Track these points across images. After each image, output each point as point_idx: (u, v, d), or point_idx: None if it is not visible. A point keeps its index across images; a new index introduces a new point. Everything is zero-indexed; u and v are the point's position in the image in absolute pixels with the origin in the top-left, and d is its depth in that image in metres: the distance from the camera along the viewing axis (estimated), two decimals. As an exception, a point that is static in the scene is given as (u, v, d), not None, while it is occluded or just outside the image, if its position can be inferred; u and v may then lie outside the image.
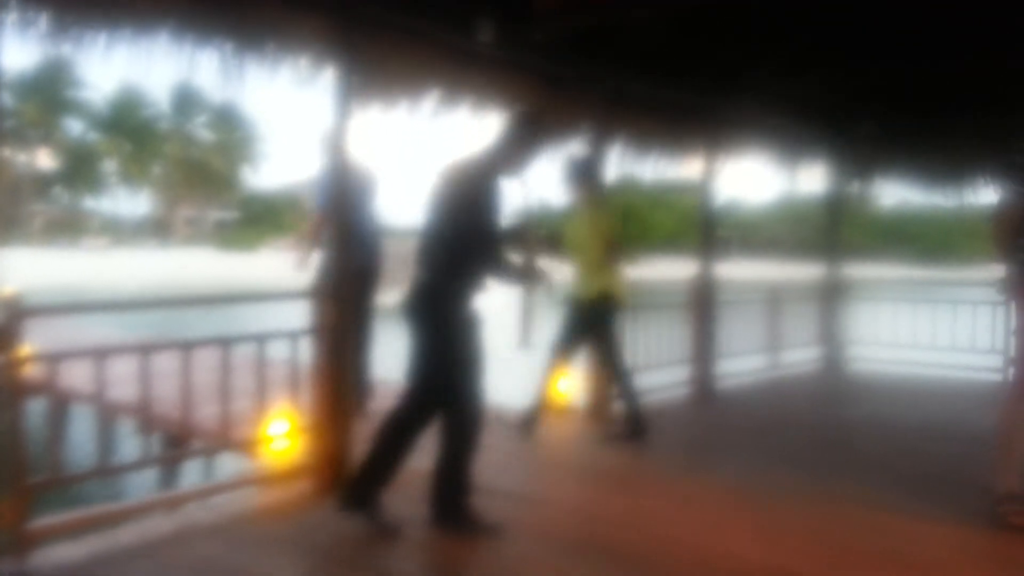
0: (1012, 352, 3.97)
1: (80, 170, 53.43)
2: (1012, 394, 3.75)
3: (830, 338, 8.48)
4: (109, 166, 55.65)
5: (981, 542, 3.53)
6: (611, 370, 5.39)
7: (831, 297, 8.50)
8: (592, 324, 5.27)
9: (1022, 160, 3.64)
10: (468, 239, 3.38)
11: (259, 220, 55.83)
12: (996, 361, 7.61)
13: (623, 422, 5.28)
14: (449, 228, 3.42)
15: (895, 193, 9.72)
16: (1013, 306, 3.79)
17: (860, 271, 10.06)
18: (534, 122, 3.61)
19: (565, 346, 5.39)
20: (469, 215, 3.38)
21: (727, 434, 5.71)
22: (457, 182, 3.45)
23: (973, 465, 4.24)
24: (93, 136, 55.14)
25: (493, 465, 3.68)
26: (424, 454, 4.82)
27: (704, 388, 6.76)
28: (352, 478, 3.56)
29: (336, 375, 4.02)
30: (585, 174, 5.36)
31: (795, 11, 5.06)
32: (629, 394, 5.31)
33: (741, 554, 3.34)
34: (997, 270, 3.77)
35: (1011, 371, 3.93)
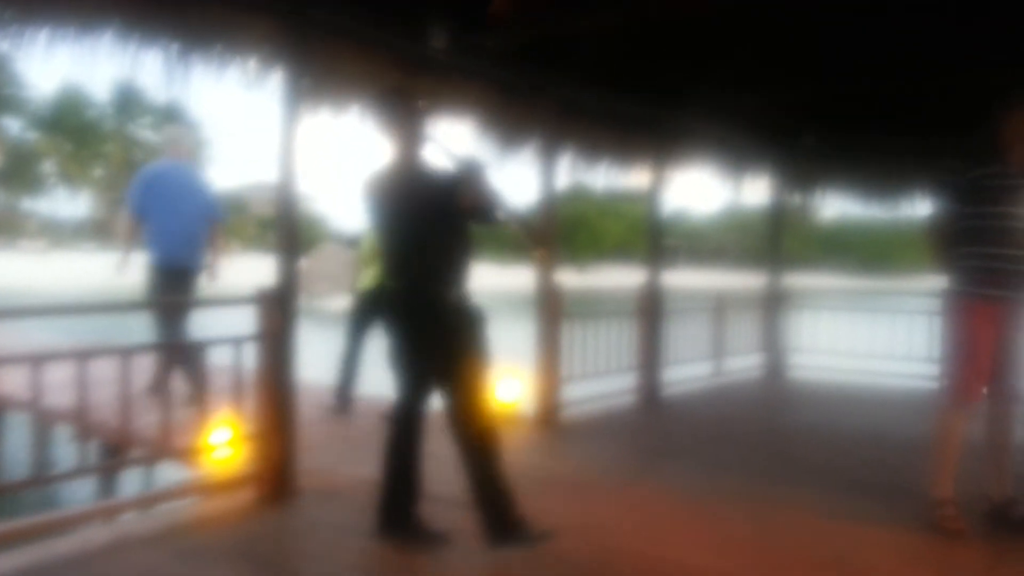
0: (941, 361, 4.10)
1: (18, 170, 51.84)
2: (944, 402, 3.88)
3: (772, 346, 8.65)
4: (48, 166, 54.15)
5: (919, 546, 3.63)
6: (348, 350, 6.07)
7: (773, 306, 8.67)
8: (365, 312, 5.99)
9: (951, 179, 3.80)
10: (438, 228, 3.29)
11: (205, 223, 54.78)
12: (932, 369, 7.85)
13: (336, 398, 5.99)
14: (412, 226, 3.31)
15: (835, 205, 9.99)
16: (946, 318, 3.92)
17: (801, 280, 10.28)
18: (397, 98, 3.43)
19: (357, 337, 6.07)
20: (423, 206, 3.28)
21: (673, 441, 5.78)
22: (392, 184, 3.35)
23: (910, 471, 4.37)
24: (32, 135, 53.59)
25: (439, 472, 3.66)
26: (367, 461, 4.79)
27: (650, 395, 6.84)
28: (378, 503, 3.45)
29: (280, 382, 3.97)
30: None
31: (740, 27, 5.17)
32: (346, 378, 6.04)
33: (685, 560, 3.38)
34: (937, 280, 3.92)
35: (943, 380, 4.07)
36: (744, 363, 8.46)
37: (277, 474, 3.95)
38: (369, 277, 5.93)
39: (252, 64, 4.27)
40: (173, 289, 5.65)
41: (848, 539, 3.67)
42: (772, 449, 5.56)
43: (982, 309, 3.71)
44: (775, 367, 8.61)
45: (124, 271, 5.87)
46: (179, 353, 5.00)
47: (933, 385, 7.54)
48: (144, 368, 3.72)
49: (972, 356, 3.73)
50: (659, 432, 6.12)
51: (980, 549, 3.60)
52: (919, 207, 8.69)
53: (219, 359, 3.95)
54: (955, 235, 3.77)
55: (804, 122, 7.47)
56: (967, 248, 3.73)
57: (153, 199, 5.87)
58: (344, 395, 6.05)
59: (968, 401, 3.78)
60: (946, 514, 3.76)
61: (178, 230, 5.83)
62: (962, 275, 3.77)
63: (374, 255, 5.75)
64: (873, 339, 8.16)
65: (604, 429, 6.04)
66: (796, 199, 9.16)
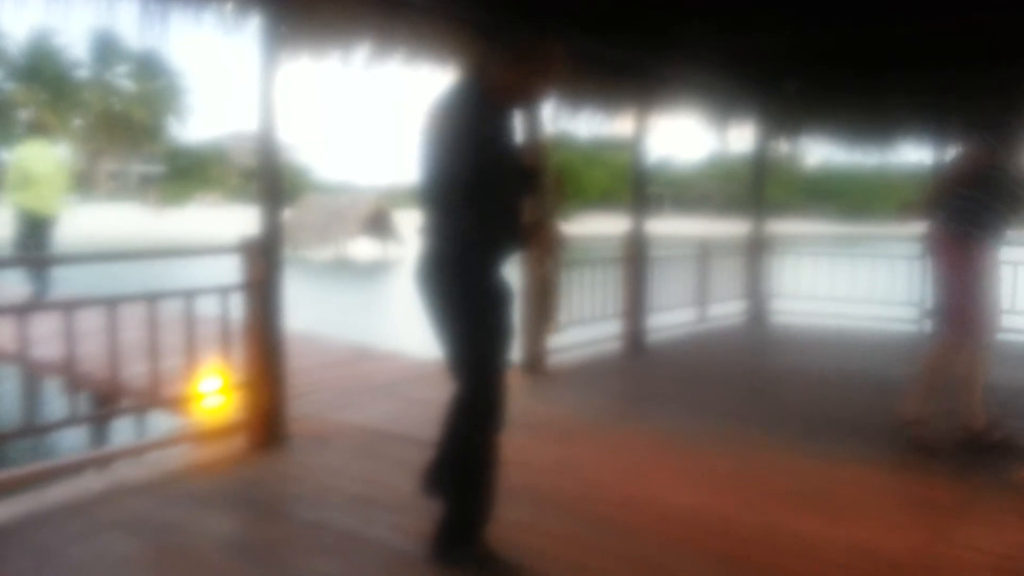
0: (936, 301, 4.29)
1: (-5, 120, 50.89)
2: (941, 341, 4.11)
3: (755, 292, 8.73)
4: (25, 116, 53.13)
5: (892, 484, 3.75)
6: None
7: (756, 252, 8.73)
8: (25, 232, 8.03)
9: (990, 128, 3.88)
10: (477, 183, 2.55)
11: (186, 174, 54.32)
12: (911, 313, 7.98)
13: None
14: (449, 175, 2.60)
15: (819, 151, 10.00)
16: (936, 257, 4.07)
17: (785, 227, 10.33)
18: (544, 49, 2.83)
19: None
20: (469, 152, 2.56)
21: (657, 385, 5.87)
22: (448, 115, 2.65)
23: (888, 411, 4.47)
24: (7, 85, 52.48)
25: (426, 417, 3.72)
26: (355, 407, 4.85)
27: (635, 341, 6.92)
28: (443, 526, 2.80)
29: (267, 330, 3.99)
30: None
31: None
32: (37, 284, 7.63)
33: (666, 497, 3.48)
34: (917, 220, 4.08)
35: (939, 319, 4.27)
36: (728, 309, 8.55)
37: (267, 421, 4.01)
38: (25, 200, 7.95)
39: (229, 9, 4.19)
40: None
41: (825, 476, 3.79)
42: (753, 392, 5.67)
43: (983, 251, 3.91)
44: (758, 313, 8.71)
45: None
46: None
47: (912, 328, 7.71)
48: (131, 318, 3.72)
49: (986, 293, 3.95)
50: (644, 377, 6.22)
51: (955, 485, 3.72)
52: (903, 153, 8.76)
53: (207, 308, 3.97)
54: (970, 180, 3.88)
55: (787, 67, 7.43)
56: (980, 194, 3.85)
57: None
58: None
59: (985, 337, 3.99)
60: (919, 432, 4.07)
61: None
62: (970, 217, 3.89)
63: (25, 179, 7.92)
64: (854, 284, 8.26)
65: (590, 375, 6.13)
66: (780, 145, 9.16)
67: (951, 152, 7.68)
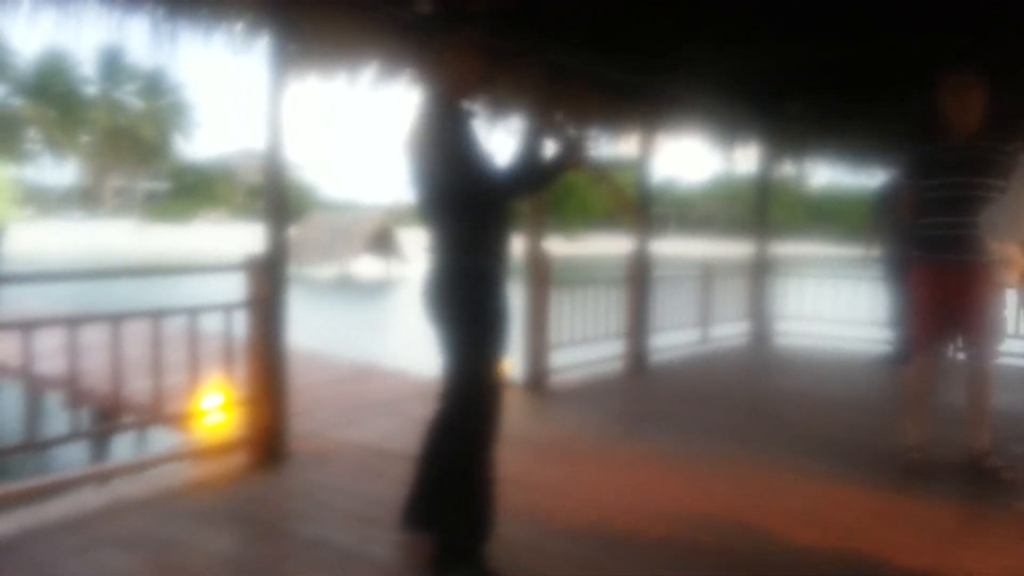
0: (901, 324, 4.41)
1: (3, 137, 51.27)
2: (914, 361, 4.16)
3: (758, 313, 8.72)
4: (34, 133, 53.54)
5: (894, 506, 3.71)
6: None
7: (760, 273, 8.73)
8: None
9: (903, 155, 4.19)
10: (468, 195, 2.63)
11: (192, 191, 54.59)
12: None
13: None
14: (440, 188, 2.67)
15: (824, 174, 10.05)
16: (895, 280, 4.19)
17: (788, 249, 10.34)
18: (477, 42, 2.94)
19: None
20: (453, 167, 2.62)
21: (659, 405, 5.86)
22: (427, 134, 2.68)
23: (889, 434, 4.46)
24: (17, 102, 52.91)
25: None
26: (356, 424, 4.85)
27: (638, 361, 6.91)
28: (443, 545, 2.77)
29: (270, 348, 4.00)
30: None
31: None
32: None
33: (669, 517, 3.45)
34: (873, 247, 4.23)
35: (906, 341, 4.39)
36: (730, 330, 8.54)
37: (268, 438, 4.00)
38: None
39: (239, 29, 4.24)
40: None
41: (824, 497, 3.77)
42: (756, 413, 5.65)
43: (930, 273, 3.97)
44: (761, 334, 8.69)
45: None
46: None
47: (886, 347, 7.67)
48: (134, 334, 3.74)
49: (920, 316, 4.06)
50: (646, 397, 6.20)
51: (954, 508, 3.69)
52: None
53: (210, 325, 3.98)
54: (908, 206, 4.07)
55: (791, 88, 7.47)
56: (917, 218, 4.00)
57: None
58: None
59: (921, 356, 4.09)
60: (910, 457, 4.08)
61: None
62: (912, 242, 4.04)
63: None
64: (858, 306, 8.24)
65: (592, 394, 6.11)
66: (785, 167, 9.19)
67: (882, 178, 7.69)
